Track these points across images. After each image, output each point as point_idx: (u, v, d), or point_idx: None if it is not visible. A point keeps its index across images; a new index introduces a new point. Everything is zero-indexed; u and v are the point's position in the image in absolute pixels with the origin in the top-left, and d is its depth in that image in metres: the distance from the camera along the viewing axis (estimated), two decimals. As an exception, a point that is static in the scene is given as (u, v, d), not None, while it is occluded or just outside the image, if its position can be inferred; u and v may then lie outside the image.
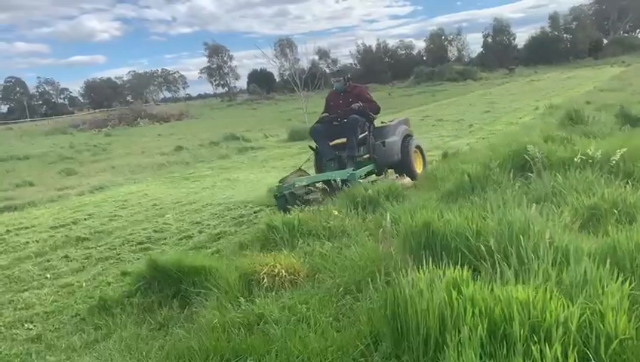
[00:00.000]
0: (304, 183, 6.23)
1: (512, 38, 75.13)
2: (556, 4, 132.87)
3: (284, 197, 6.03)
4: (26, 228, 7.38)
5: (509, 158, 5.76)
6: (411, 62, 69.21)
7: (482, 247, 3.03)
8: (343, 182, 5.97)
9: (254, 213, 6.86)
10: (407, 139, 7.52)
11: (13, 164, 16.34)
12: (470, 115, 17.48)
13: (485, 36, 76.43)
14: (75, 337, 3.72)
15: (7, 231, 7.26)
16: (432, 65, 62.37)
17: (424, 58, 74.69)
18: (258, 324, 3.06)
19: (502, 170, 5.44)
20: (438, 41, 76.39)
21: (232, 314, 3.17)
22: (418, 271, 2.67)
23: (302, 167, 7.33)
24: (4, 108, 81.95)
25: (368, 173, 7.01)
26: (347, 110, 6.92)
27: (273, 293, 3.47)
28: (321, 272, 3.81)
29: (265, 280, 3.62)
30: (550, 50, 66.11)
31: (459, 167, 6.19)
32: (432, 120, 17.44)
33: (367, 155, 6.95)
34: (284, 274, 3.71)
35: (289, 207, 5.60)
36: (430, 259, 2.83)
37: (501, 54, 69.25)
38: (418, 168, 7.64)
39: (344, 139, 6.83)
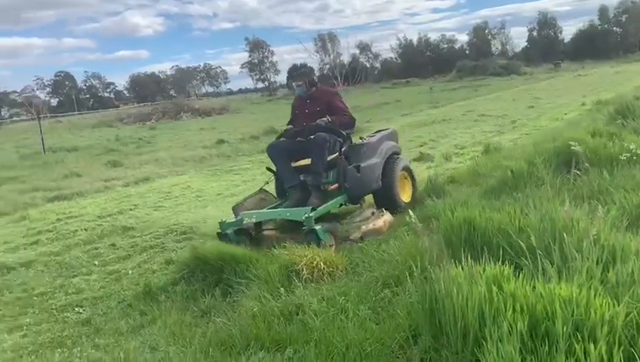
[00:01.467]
0: (253, 220, 5.09)
1: (558, 32, 73.09)
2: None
3: (226, 236, 4.88)
4: (75, 216, 7.68)
5: (553, 154, 5.62)
6: (453, 57, 68.06)
7: (524, 244, 2.99)
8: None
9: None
10: (392, 159, 5.83)
11: (62, 155, 16.95)
12: (514, 111, 17.08)
13: (530, 30, 74.61)
14: (122, 322, 3.87)
15: (58, 219, 7.57)
16: (474, 60, 61.20)
17: (467, 52, 73.39)
18: (297, 314, 3.12)
19: (546, 167, 5.32)
20: (481, 35, 74.96)
21: (272, 304, 3.24)
22: (457, 267, 2.67)
23: (264, 188, 5.94)
24: (54, 102, 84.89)
25: (341, 205, 5.57)
26: (312, 125, 5.41)
27: (312, 285, 3.52)
28: (359, 266, 3.85)
29: (304, 271, 3.68)
30: (598, 44, 63.92)
31: (501, 163, 6.10)
32: (474, 115, 17.13)
33: (337, 184, 5.33)
34: (322, 266, 3.75)
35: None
36: (470, 255, 2.82)
37: (546, 48, 67.38)
38: (405, 196, 5.92)
39: (309, 160, 5.34)
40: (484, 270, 2.60)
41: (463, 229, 3.42)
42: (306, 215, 4.61)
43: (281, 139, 5.71)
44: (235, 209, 5.36)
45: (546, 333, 2.11)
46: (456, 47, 77.15)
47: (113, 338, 3.62)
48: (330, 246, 4.51)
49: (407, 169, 6.14)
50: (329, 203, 5.17)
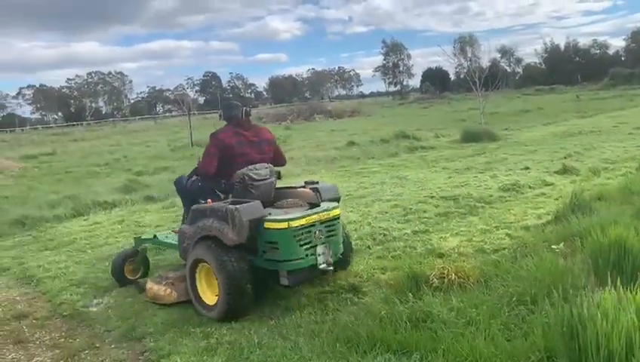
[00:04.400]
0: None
1: None
2: None
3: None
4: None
5: None
6: (606, 63, 62.52)
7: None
8: None
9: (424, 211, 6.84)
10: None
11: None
12: (677, 124, 15.25)
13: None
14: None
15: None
16: (631, 67, 55.54)
17: (622, 58, 66.84)
18: (425, 322, 3.11)
19: None
20: (640, 40, 67.79)
21: (400, 308, 3.25)
22: (604, 290, 2.48)
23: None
24: (202, 100, 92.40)
25: None
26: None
27: (441, 294, 3.47)
28: (492, 279, 3.72)
29: (434, 280, 3.64)
30: None
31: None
32: (628, 127, 15.56)
33: None
34: (453, 276, 3.69)
35: None
36: (618, 278, 2.60)
37: None
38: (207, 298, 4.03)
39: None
40: (635, 296, 2.40)
41: (612, 251, 3.16)
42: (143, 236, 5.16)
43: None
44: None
45: None
46: (610, 52, 70.71)
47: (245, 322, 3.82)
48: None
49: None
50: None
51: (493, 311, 3.07)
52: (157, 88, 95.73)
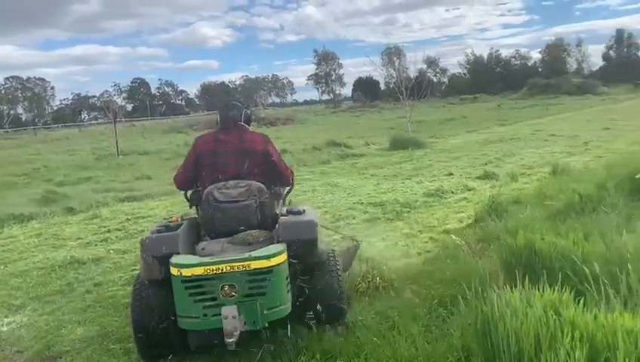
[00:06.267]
0: None
1: (638, 52, 69.36)
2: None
3: None
4: (144, 217, 8.03)
5: (627, 179, 5.36)
6: (525, 74, 66.11)
7: (588, 271, 2.88)
8: None
9: (353, 217, 6.94)
10: None
11: (134, 158, 17.79)
12: (587, 132, 16.34)
13: (608, 48, 71.23)
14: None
15: (127, 219, 7.95)
16: (547, 78, 59.18)
17: (539, 69, 71.05)
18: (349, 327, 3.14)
19: (618, 192, 5.08)
20: (555, 52, 72.39)
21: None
22: (512, 290, 2.61)
23: None
24: (130, 107, 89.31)
25: None
26: None
27: (367, 299, 3.53)
28: (415, 283, 3.82)
29: (361, 284, 3.70)
30: (685, 63, 60.09)
31: (570, 185, 5.87)
32: (544, 134, 16.54)
33: None
34: (378, 281, 3.76)
35: None
36: (529, 278, 2.74)
37: (626, 68, 64.01)
38: None
39: None
40: (542, 294, 2.53)
41: (523, 253, 3.33)
42: None
43: None
44: None
45: (607, 365, 2.03)
46: (529, 63, 74.97)
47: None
48: None
49: None
50: None
51: (414, 314, 3.16)
52: (82, 95, 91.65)
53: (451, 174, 9.80)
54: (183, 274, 2.78)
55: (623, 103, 33.11)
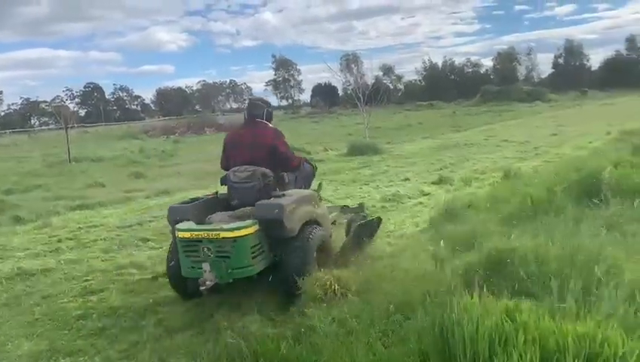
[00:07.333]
0: None
1: (585, 60, 72.44)
2: (634, 26, 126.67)
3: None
4: (96, 226, 7.78)
5: (575, 183, 5.56)
6: (478, 81, 67.84)
7: (542, 274, 2.96)
8: None
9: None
10: None
11: (87, 165, 17.28)
12: (537, 137, 16.93)
13: (557, 57, 74.10)
14: (134, 335, 3.88)
15: (79, 228, 7.68)
16: (499, 85, 60.95)
17: (491, 77, 73.12)
18: (307, 334, 3.12)
19: (567, 195, 5.26)
20: (506, 60, 74.65)
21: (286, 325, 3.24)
22: (470, 295, 2.65)
23: None
24: (83, 112, 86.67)
25: None
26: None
27: (325, 305, 3.51)
28: (372, 288, 3.83)
29: (317, 291, 3.68)
30: (626, 73, 63.09)
31: (521, 189, 6.04)
32: (496, 140, 17.03)
33: None
34: (336, 287, 3.74)
35: None
36: (485, 283, 2.80)
37: (573, 76, 66.73)
38: None
39: None
40: (497, 298, 2.59)
41: (480, 257, 3.40)
42: None
43: None
44: None
45: (558, 366, 2.08)
46: (481, 71, 77.03)
47: (126, 348, 3.64)
48: None
49: None
50: None
51: (372, 319, 3.16)
52: (31, 100, 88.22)
53: (408, 179, 9.95)
54: (180, 236, 3.83)
55: (570, 110, 34.47)
